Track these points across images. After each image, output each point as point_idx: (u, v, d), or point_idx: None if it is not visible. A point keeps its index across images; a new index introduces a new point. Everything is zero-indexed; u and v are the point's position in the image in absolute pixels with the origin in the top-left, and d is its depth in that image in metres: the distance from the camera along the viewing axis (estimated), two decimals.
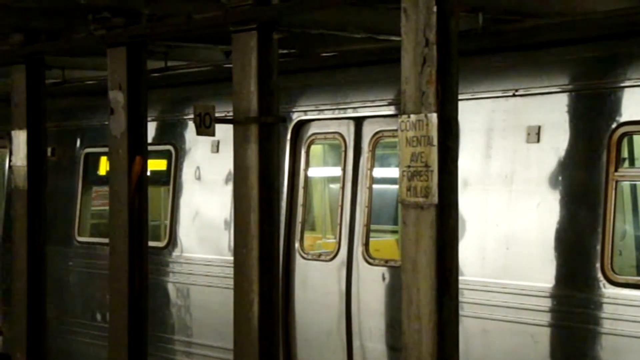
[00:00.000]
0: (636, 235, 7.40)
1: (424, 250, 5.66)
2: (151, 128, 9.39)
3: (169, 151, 9.94)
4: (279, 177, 7.69)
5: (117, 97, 8.49)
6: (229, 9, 7.43)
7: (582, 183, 6.84)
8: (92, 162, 11.07)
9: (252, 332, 7.34)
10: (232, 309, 7.59)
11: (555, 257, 6.89)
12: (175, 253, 9.76)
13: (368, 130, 8.32)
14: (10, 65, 9.93)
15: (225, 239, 9.17)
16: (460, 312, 5.99)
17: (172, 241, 9.78)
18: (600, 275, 6.61)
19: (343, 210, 8.39)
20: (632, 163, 7.16)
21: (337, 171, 8.62)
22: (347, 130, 8.48)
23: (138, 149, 8.50)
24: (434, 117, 5.61)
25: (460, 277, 5.88)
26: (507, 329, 7.10)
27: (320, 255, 8.68)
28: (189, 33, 8.41)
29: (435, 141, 5.61)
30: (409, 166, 5.72)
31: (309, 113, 8.74)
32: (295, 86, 8.84)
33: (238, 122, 7.44)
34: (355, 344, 8.20)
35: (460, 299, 6.01)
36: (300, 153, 8.80)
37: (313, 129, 8.76)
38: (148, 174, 8.73)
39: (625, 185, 7.16)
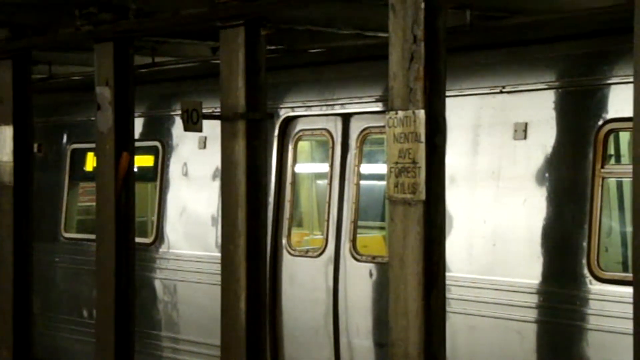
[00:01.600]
0: (622, 232, 7.42)
1: (412, 247, 5.67)
2: (138, 124, 9.36)
3: (156, 147, 9.91)
4: (266, 173, 7.69)
5: (104, 93, 8.47)
6: (216, 4, 7.41)
7: (568, 180, 6.86)
8: (78, 158, 11.03)
9: (239, 328, 7.34)
10: (219, 305, 7.58)
11: (542, 253, 6.91)
12: (162, 249, 9.74)
13: (356, 127, 8.33)
14: None
15: (213, 235, 9.16)
16: (447, 308, 6.01)
17: (159, 237, 9.76)
18: (586, 271, 6.64)
19: (330, 206, 8.39)
20: (618, 160, 7.18)
21: (324, 167, 8.62)
22: (335, 127, 8.48)
23: (125, 145, 8.48)
24: (421, 113, 5.61)
25: (447, 274, 5.89)
26: (493, 325, 7.12)
27: (307, 251, 8.68)
28: (177, 29, 8.39)
29: (422, 138, 5.62)
30: (396, 162, 5.73)
31: (296, 109, 8.74)
32: (283, 82, 8.83)
33: (225, 118, 7.44)
34: (342, 340, 8.21)
35: (447, 295, 6.02)
36: (287, 149, 8.79)
37: (300, 125, 8.76)
38: (135, 170, 8.71)
39: (612, 182, 7.19)
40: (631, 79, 5.10)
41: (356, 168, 8.26)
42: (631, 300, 5.03)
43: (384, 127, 5.88)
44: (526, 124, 7.05)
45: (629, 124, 6.69)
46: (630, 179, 6.57)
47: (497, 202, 7.19)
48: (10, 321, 9.74)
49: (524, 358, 6.95)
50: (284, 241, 8.72)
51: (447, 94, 5.82)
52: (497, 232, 7.16)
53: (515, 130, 7.09)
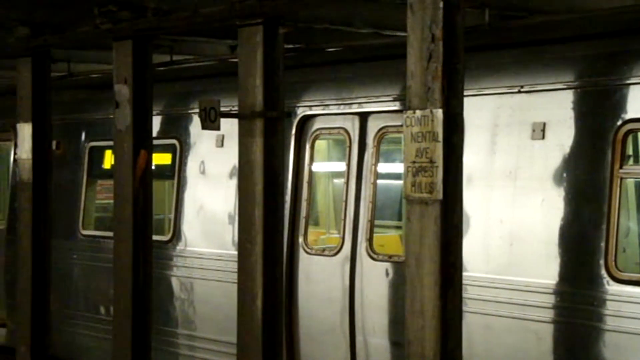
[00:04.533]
0: None
1: (428, 246, 5.66)
2: (156, 122, 9.38)
3: (173, 145, 9.94)
4: (283, 171, 7.69)
5: (123, 91, 8.50)
6: (235, 3, 7.43)
7: (586, 180, 6.83)
8: (96, 155, 11.08)
9: (255, 326, 7.35)
10: (235, 303, 7.59)
11: (559, 253, 6.89)
12: (179, 247, 9.77)
13: (373, 126, 8.32)
14: (16, 58, 9.94)
15: (230, 233, 9.18)
16: (464, 308, 6.00)
17: (176, 235, 9.79)
18: (604, 272, 6.61)
19: (347, 205, 8.39)
20: (636, 160, 7.15)
21: (341, 166, 8.62)
22: (352, 126, 8.48)
23: (143, 143, 8.51)
24: (439, 112, 5.61)
25: (463, 273, 5.89)
26: (510, 325, 7.10)
27: (324, 250, 8.68)
28: (195, 27, 8.41)
29: (440, 137, 5.61)
30: (413, 162, 5.72)
31: (314, 108, 8.75)
32: (301, 81, 8.84)
33: (243, 117, 7.45)
34: (358, 339, 8.21)
35: (464, 294, 6.01)
36: (304, 148, 8.80)
37: (318, 124, 8.76)
38: (153, 167, 8.75)
39: (630, 182, 7.16)
40: None
41: (373, 167, 8.25)
42: None
43: (401, 126, 5.88)
44: (544, 124, 7.03)
45: None
46: None
47: (514, 202, 7.17)
48: (29, 318, 9.79)
49: (541, 358, 6.93)
50: (301, 240, 8.73)
51: (465, 93, 5.81)
52: (514, 232, 7.14)
53: (533, 130, 7.07)
